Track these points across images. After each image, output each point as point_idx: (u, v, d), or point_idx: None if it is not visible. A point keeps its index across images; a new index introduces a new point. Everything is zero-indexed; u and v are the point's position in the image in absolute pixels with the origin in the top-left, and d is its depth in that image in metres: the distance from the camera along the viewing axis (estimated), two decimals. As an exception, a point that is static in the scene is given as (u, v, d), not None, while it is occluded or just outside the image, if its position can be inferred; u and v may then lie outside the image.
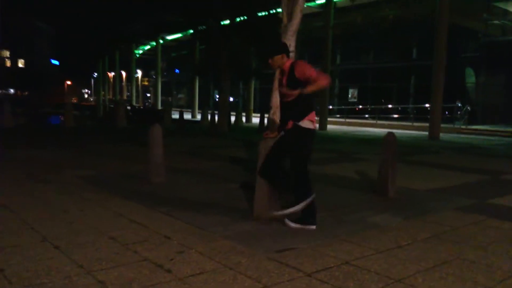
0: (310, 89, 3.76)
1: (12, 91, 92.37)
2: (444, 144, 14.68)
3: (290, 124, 4.01)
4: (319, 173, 7.29)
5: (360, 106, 28.23)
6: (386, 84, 28.52)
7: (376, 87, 28.93)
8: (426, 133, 17.35)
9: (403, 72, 27.14)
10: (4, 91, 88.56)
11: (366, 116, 26.92)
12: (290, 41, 5.48)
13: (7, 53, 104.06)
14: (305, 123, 3.96)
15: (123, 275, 2.82)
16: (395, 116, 25.73)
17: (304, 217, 4.06)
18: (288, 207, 4.04)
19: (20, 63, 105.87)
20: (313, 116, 4.02)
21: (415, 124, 21.82)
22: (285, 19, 5.69)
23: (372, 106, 26.33)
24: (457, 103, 21.81)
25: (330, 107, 25.98)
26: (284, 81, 4.07)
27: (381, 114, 25.37)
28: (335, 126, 23.97)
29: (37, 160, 7.76)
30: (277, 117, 5.78)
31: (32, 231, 3.70)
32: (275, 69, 4.28)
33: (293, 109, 3.99)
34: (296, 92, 3.78)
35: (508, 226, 4.36)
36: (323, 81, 3.79)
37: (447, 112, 21.33)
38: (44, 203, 4.71)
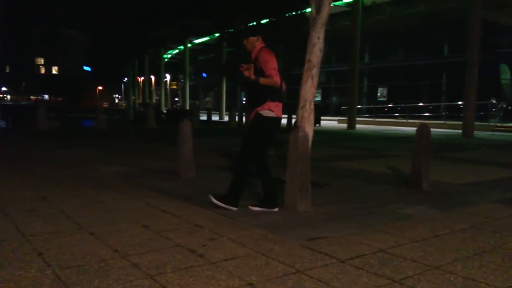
0: (263, 81, 3.90)
1: (46, 97, 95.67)
2: (478, 141, 14.23)
3: (253, 114, 4.13)
4: (348, 169, 7.19)
5: (390, 105, 27.70)
6: (417, 82, 27.95)
7: (406, 86, 28.39)
8: (460, 131, 16.88)
9: (434, 70, 26.52)
10: (39, 97, 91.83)
11: (396, 115, 26.40)
12: (319, 33, 5.46)
13: (41, 61, 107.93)
14: (266, 112, 4.05)
15: (157, 259, 2.84)
16: (427, 114, 25.10)
17: (265, 201, 4.26)
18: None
19: (54, 70, 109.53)
20: (275, 105, 4.06)
21: (448, 122, 21.23)
22: (313, 12, 5.66)
23: (402, 105, 25.80)
24: (491, 100, 21.14)
25: (359, 106, 25.61)
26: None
27: (412, 113, 24.81)
28: (364, 125, 23.63)
29: (73, 159, 7.95)
30: (306, 111, 5.74)
31: (68, 220, 3.78)
32: (249, 50, 4.27)
33: (254, 94, 4.09)
34: (252, 77, 3.86)
35: (550, 218, 4.17)
36: (276, 79, 3.91)
37: (481, 112, 20.64)
38: (80, 195, 4.82)
